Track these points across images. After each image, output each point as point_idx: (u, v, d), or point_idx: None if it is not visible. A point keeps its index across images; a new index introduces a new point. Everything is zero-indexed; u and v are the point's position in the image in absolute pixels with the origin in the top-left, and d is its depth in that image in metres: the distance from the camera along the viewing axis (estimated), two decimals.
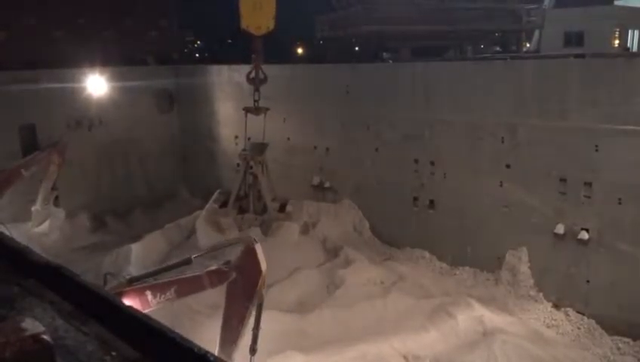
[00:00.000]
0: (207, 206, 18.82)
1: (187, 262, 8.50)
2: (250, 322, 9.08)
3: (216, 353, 8.65)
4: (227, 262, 8.69)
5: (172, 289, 8.26)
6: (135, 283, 8.14)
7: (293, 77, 21.27)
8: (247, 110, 18.40)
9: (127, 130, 22.87)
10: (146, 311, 7.98)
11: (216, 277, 8.57)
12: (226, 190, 19.66)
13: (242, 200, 18.83)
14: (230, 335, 8.83)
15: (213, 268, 8.60)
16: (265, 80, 18.26)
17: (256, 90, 18.21)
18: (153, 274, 8.57)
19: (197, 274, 8.52)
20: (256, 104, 18.27)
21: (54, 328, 1.78)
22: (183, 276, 8.57)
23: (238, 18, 17.63)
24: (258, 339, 9.15)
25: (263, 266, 8.55)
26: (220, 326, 8.97)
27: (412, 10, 26.83)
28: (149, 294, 7.97)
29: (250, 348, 9.16)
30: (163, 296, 8.11)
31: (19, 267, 2.24)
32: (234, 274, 8.52)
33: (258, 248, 8.64)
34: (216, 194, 19.38)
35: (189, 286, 8.65)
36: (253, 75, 18.20)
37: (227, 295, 8.79)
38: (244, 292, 8.57)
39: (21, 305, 1.96)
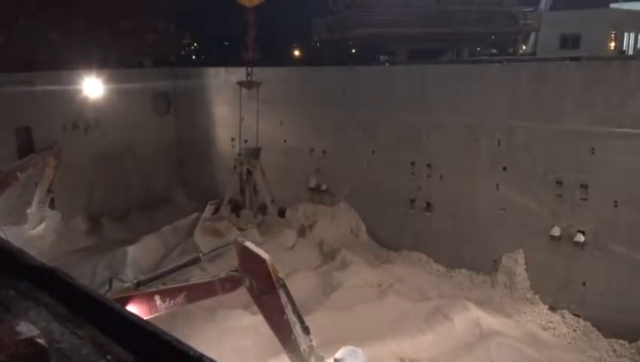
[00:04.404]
0: (201, 219, 18.75)
1: (196, 261, 8.36)
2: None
3: (287, 357, 8.45)
4: (235, 270, 8.42)
5: (182, 295, 8.10)
6: (142, 287, 8.00)
7: (290, 79, 21.27)
8: (240, 84, 18.64)
9: (123, 133, 22.82)
10: (153, 316, 7.88)
11: (229, 284, 8.38)
12: (217, 201, 19.59)
13: (236, 201, 18.82)
14: (283, 331, 8.46)
15: (224, 275, 8.39)
16: (257, 55, 18.44)
17: (249, 64, 18.41)
18: (160, 276, 8.43)
19: (209, 279, 8.38)
20: (249, 78, 18.47)
21: (49, 331, 1.77)
22: (195, 281, 8.40)
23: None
24: (303, 318, 8.70)
25: (264, 255, 8.21)
26: (272, 330, 8.64)
27: (409, 12, 26.86)
28: (157, 299, 7.83)
29: (303, 329, 8.65)
30: (172, 300, 7.96)
31: (14, 270, 2.23)
32: (247, 280, 8.25)
33: (248, 244, 8.33)
34: (207, 207, 19.31)
35: (200, 292, 8.48)
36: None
37: (254, 300, 8.50)
38: (264, 287, 8.21)
39: (16, 309, 1.95)
